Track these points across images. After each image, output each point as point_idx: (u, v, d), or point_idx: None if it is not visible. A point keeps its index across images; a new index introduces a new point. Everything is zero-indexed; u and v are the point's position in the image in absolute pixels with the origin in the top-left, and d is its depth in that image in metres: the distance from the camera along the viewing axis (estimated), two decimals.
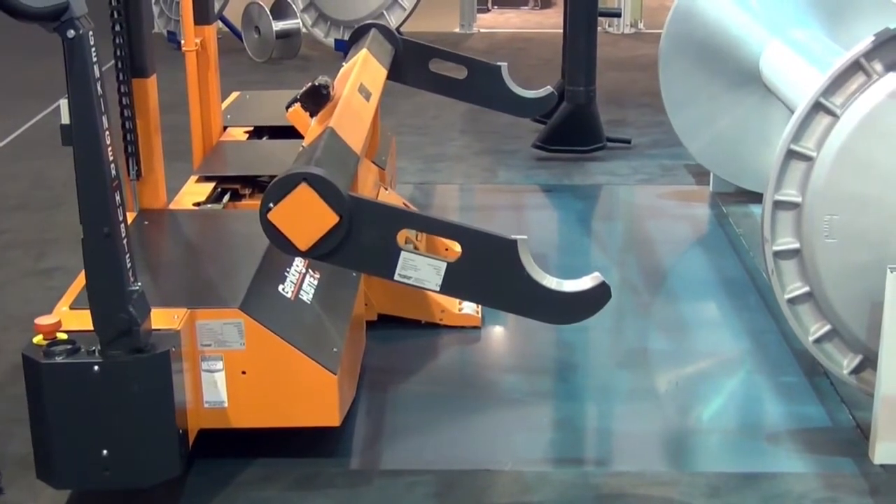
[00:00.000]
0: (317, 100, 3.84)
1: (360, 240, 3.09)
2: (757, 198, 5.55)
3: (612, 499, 3.34)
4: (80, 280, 3.30)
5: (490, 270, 3.16)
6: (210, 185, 4.32)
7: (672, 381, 4.06)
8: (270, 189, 3.03)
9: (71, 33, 2.70)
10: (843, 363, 3.66)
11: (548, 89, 5.27)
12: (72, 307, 3.11)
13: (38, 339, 2.99)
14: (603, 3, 6.95)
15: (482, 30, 9.73)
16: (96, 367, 2.93)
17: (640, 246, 5.29)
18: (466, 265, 3.14)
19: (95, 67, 2.77)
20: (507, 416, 3.84)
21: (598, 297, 3.17)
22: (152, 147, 3.97)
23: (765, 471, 3.49)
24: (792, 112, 4.91)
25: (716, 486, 3.40)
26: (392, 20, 8.29)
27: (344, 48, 8.51)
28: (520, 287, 3.15)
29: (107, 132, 2.85)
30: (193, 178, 4.40)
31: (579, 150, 6.41)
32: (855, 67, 3.47)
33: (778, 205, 3.55)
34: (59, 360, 2.94)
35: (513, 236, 3.12)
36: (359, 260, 3.23)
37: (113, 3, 3.70)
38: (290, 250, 3.11)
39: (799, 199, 3.52)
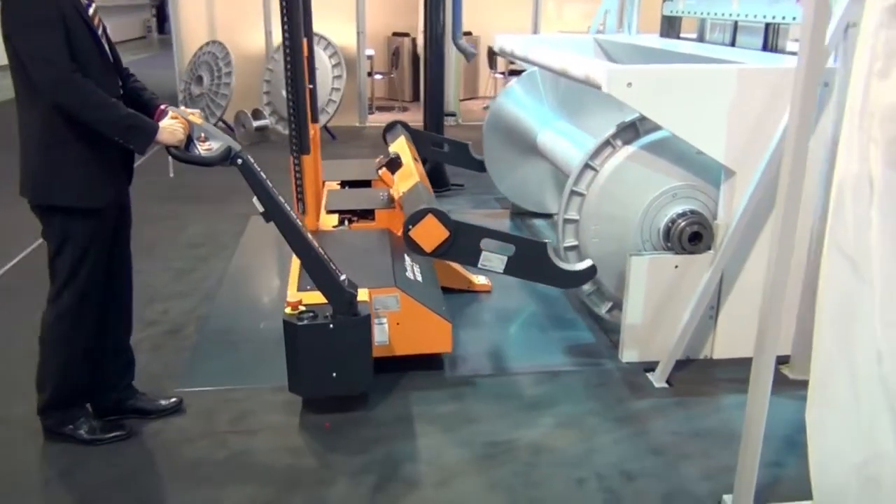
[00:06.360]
0: (395, 165, 4.07)
1: (460, 245, 3.15)
2: (534, 214, 5.61)
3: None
4: (294, 275, 3.28)
5: (532, 260, 3.18)
6: (335, 216, 4.11)
7: (499, 314, 4.00)
8: (409, 218, 3.15)
9: (239, 161, 2.61)
10: (603, 308, 3.67)
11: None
12: (298, 290, 3.03)
13: (288, 310, 2.88)
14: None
15: (371, 123, 9.52)
16: (331, 326, 2.84)
17: None
18: (518, 257, 3.16)
19: (260, 173, 2.66)
20: (495, 331, 3.84)
21: (590, 273, 3.28)
22: (311, 193, 3.83)
23: (563, 369, 3.45)
24: (558, 168, 4.96)
25: (538, 377, 3.38)
26: (321, 120, 8.03)
27: None
28: (547, 269, 3.21)
29: (284, 204, 2.71)
30: (323, 211, 4.17)
31: (436, 190, 6.27)
32: (607, 143, 3.47)
33: (566, 221, 3.54)
34: (307, 322, 2.82)
35: (544, 240, 3.25)
36: (459, 257, 3.27)
37: (291, 122, 3.58)
38: (421, 252, 3.16)
39: (577, 218, 3.51)
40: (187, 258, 4.85)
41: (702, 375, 3.36)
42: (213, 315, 4.00)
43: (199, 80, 8.41)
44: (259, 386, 3.25)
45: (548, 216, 5.64)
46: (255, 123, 8.08)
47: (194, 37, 8.90)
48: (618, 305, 3.58)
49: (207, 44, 8.61)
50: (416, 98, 10.82)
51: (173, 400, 3.07)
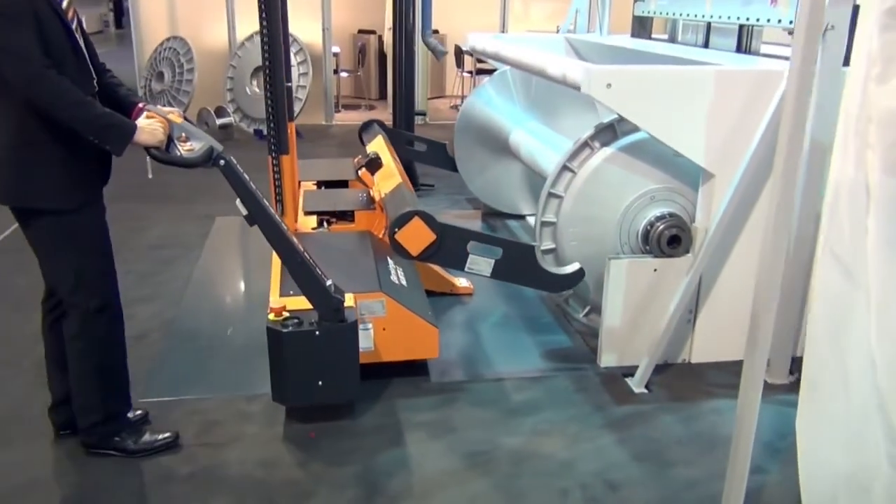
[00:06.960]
0: (375, 165, 4.05)
1: (446, 248, 3.09)
2: (506, 215, 5.55)
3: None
4: (276, 278, 3.17)
5: (519, 263, 3.13)
6: (313, 218, 3.98)
7: (479, 318, 3.93)
8: (395, 220, 3.06)
9: (222, 162, 2.51)
10: (580, 311, 3.63)
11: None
12: (280, 296, 2.93)
13: (272, 316, 2.77)
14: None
15: (337, 122, 9.39)
16: (317, 333, 2.73)
17: None
18: (506, 260, 3.10)
19: (244, 174, 2.56)
20: (477, 335, 3.77)
21: (577, 277, 3.21)
22: (290, 195, 3.69)
23: (544, 374, 3.40)
24: (529, 168, 4.91)
25: (520, 382, 3.32)
26: None
27: (260, 135, 8.05)
28: (535, 272, 3.16)
29: (269, 207, 2.61)
30: (301, 212, 4.03)
31: None
32: (585, 145, 3.42)
33: (543, 224, 3.49)
34: (292, 329, 2.71)
35: (531, 243, 3.21)
36: (445, 260, 3.20)
37: (270, 121, 3.46)
38: (407, 256, 3.09)
39: (555, 220, 3.46)
40: (152, 260, 4.70)
41: (681, 380, 3.33)
42: (178, 320, 3.87)
43: (160, 76, 8.20)
44: (229, 394, 3.14)
45: (520, 217, 5.59)
46: (219, 121, 7.91)
47: (154, 32, 8.68)
48: (595, 309, 3.54)
49: (168, 39, 8.40)
50: (382, 96, 10.71)
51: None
